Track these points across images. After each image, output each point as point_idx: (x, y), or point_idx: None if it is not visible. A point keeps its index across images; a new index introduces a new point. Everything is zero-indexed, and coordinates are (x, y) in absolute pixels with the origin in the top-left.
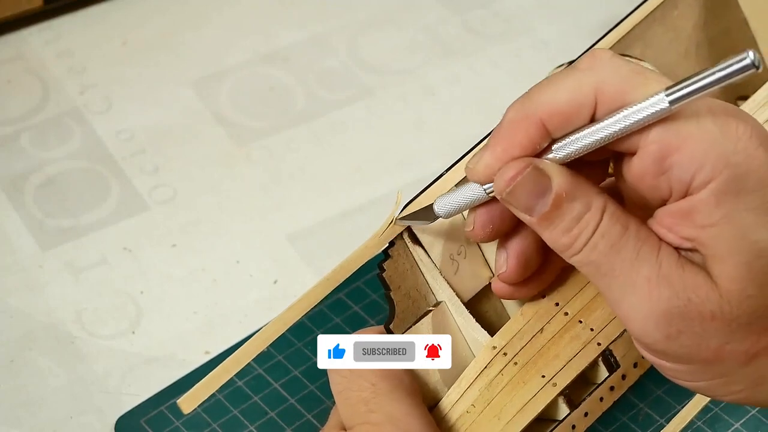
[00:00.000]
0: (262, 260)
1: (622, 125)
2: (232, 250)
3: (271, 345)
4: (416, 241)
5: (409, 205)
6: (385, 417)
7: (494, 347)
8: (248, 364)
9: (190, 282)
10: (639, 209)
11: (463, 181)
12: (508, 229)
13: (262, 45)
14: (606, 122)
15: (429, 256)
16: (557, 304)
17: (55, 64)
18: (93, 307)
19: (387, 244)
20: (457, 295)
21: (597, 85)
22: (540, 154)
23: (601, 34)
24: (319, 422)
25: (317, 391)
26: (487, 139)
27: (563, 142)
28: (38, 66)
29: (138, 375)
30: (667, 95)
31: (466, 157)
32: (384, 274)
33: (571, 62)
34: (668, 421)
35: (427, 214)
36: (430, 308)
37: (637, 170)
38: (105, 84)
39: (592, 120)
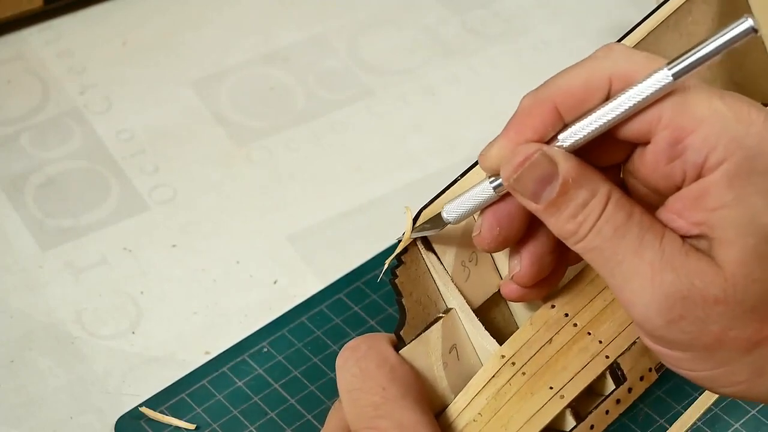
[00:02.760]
0: (262, 260)
1: (628, 105)
2: (232, 250)
3: (271, 345)
4: (429, 247)
5: (422, 214)
6: (394, 424)
7: (503, 356)
8: (248, 364)
9: (190, 282)
10: (646, 206)
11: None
12: (516, 233)
13: (262, 45)
14: (612, 104)
15: (441, 262)
16: (566, 315)
17: (55, 64)
18: (93, 307)
19: (401, 250)
20: (467, 302)
21: (611, 70)
22: (549, 142)
23: (603, 34)
24: (319, 422)
25: (317, 391)
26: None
27: (571, 129)
28: (38, 66)
29: (138, 375)
30: (670, 68)
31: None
32: (396, 280)
33: None
34: (668, 421)
35: (437, 221)
36: (441, 315)
37: (651, 158)
38: (105, 84)
39: (605, 100)
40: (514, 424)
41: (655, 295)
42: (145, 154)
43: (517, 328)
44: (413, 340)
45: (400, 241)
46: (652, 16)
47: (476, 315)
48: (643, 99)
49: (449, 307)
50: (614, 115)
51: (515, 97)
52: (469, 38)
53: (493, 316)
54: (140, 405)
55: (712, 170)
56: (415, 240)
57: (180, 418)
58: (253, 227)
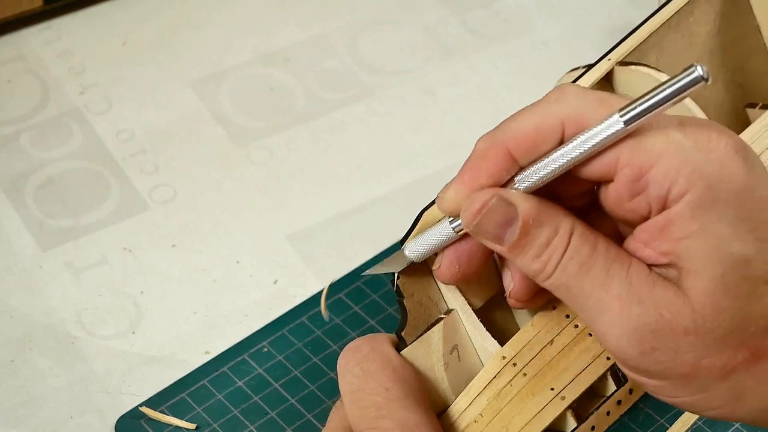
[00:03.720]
0: (262, 260)
1: (581, 150)
2: (232, 250)
3: (271, 345)
4: None
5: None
6: (397, 424)
7: (504, 357)
8: (248, 363)
9: (190, 282)
10: (616, 236)
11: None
12: (476, 270)
13: (262, 45)
14: (565, 149)
15: None
16: (567, 316)
17: (55, 64)
18: (93, 307)
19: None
20: (469, 303)
21: (563, 114)
22: (506, 184)
23: (603, 34)
24: (319, 422)
25: (317, 391)
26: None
27: (527, 172)
28: (38, 66)
29: (138, 375)
30: (621, 116)
31: None
32: (398, 281)
33: (588, 66)
34: (668, 421)
35: (399, 260)
36: (442, 316)
37: (614, 195)
38: (105, 84)
39: (557, 145)
40: (515, 425)
41: (624, 329)
42: (145, 154)
43: (519, 329)
44: (414, 340)
45: (400, 242)
46: (654, 17)
47: (477, 316)
48: (595, 144)
49: (450, 308)
50: (568, 160)
51: (515, 97)
52: (469, 38)
53: (494, 317)
54: (140, 405)
55: (675, 202)
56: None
57: (180, 417)
58: (253, 227)
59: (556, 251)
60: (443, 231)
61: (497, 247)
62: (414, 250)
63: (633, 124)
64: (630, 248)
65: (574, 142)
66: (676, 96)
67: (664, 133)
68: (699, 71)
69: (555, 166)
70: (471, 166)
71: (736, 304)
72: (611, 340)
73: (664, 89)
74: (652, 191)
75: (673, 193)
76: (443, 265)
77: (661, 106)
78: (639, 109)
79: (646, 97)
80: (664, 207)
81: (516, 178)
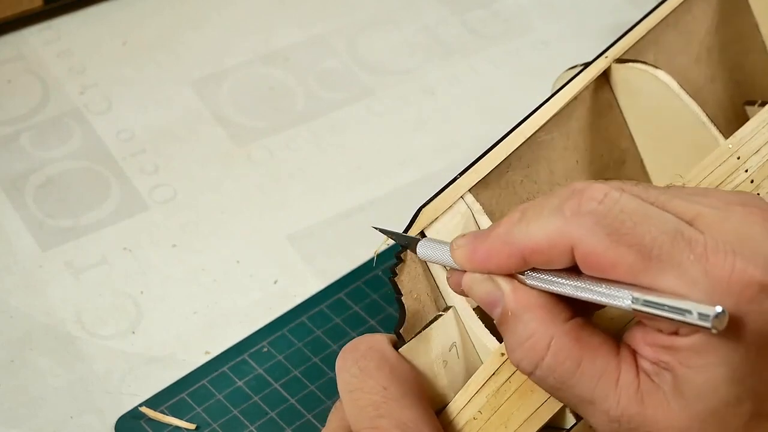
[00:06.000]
0: (262, 260)
1: (589, 298)
2: (232, 250)
3: (271, 345)
4: None
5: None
6: (395, 423)
7: (502, 354)
8: (248, 363)
9: (190, 282)
10: None
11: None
12: None
13: (262, 45)
14: (574, 289)
15: None
16: None
17: (55, 64)
18: (93, 307)
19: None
20: (467, 300)
21: (573, 242)
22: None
23: (603, 34)
24: (319, 422)
25: (317, 391)
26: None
27: (539, 275)
28: (38, 66)
29: (138, 375)
30: (633, 302)
31: (479, 161)
32: (396, 279)
33: (585, 65)
34: None
35: (410, 243)
36: (440, 313)
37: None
38: (105, 84)
39: (572, 264)
40: (515, 422)
41: None
42: (145, 154)
43: None
44: (413, 338)
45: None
46: (651, 15)
47: (476, 313)
48: (601, 302)
49: (449, 305)
50: (575, 295)
51: (515, 97)
52: (469, 38)
53: None
54: (140, 405)
55: (685, 335)
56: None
57: (180, 417)
58: (253, 227)
59: (529, 354)
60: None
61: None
62: (425, 250)
63: (639, 312)
64: (637, 339)
65: (587, 290)
66: (681, 320)
67: (680, 269)
68: (718, 311)
69: (556, 291)
70: (487, 248)
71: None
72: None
73: (678, 308)
74: (665, 323)
75: (683, 329)
76: (451, 283)
77: (668, 315)
78: (650, 309)
79: (660, 303)
80: (675, 333)
81: (526, 272)
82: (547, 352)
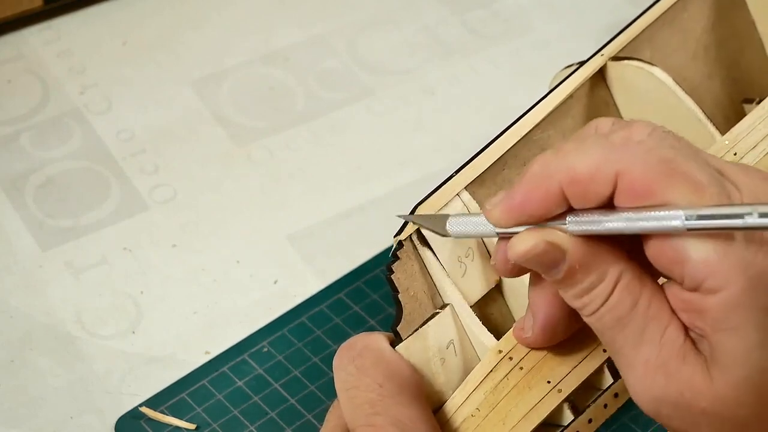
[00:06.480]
0: (262, 260)
1: (637, 228)
2: (232, 250)
3: (271, 345)
4: (425, 242)
5: (420, 208)
6: (391, 421)
7: (500, 351)
8: (248, 363)
9: (190, 282)
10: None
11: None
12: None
13: (262, 45)
14: (622, 223)
15: (437, 258)
16: None
17: (55, 64)
18: (93, 307)
19: (395, 246)
20: (464, 297)
21: (620, 169)
22: (560, 215)
23: (603, 34)
24: (319, 422)
25: (317, 391)
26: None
27: (581, 218)
28: (38, 66)
29: (138, 375)
30: (687, 219)
31: (475, 159)
32: (392, 276)
33: (581, 63)
34: None
35: (440, 224)
36: (437, 310)
37: (652, 251)
38: (105, 84)
39: (612, 197)
40: (512, 419)
41: (644, 395)
42: (145, 154)
43: (514, 322)
44: (410, 335)
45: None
46: (647, 12)
47: (473, 310)
48: (651, 230)
49: (446, 302)
50: (617, 230)
51: (515, 97)
52: (469, 38)
53: (490, 311)
54: (140, 405)
55: (710, 293)
56: (410, 235)
57: (180, 417)
58: (253, 227)
59: (596, 299)
60: (488, 226)
61: (543, 275)
62: (456, 226)
63: (694, 230)
64: (672, 300)
65: (634, 221)
66: (741, 228)
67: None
68: None
69: (604, 229)
70: (523, 189)
71: (760, 400)
72: (633, 393)
73: (736, 213)
74: (689, 270)
75: (708, 284)
76: (498, 262)
77: (727, 224)
78: (708, 224)
79: (717, 211)
80: (697, 287)
81: (568, 218)
82: (614, 291)
